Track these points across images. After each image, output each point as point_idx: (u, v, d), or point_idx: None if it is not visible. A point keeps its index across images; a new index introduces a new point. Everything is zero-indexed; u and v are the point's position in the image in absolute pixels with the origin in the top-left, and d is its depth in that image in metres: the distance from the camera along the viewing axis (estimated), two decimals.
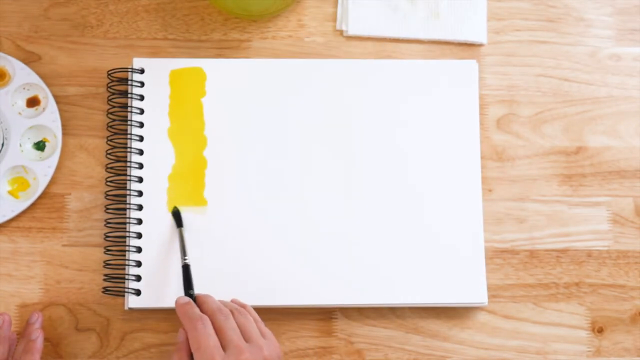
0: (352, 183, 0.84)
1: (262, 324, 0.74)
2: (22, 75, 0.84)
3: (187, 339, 0.71)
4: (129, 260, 0.81)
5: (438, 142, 0.85)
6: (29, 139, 0.84)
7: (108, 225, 0.82)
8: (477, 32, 0.88)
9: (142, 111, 0.84)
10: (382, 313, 0.83)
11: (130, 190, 0.82)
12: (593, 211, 0.86)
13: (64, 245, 0.83)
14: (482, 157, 0.85)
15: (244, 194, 0.83)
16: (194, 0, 0.88)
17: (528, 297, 0.84)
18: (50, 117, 0.84)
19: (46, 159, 0.84)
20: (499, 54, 0.88)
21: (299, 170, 0.84)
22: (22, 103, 0.85)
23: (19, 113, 0.84)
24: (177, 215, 0.82)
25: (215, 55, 0.87)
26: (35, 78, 0.84)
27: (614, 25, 0.89)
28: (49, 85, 0.85)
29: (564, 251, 0.85)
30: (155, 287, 0.81)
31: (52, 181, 0.83)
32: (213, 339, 0.69)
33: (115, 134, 0.84)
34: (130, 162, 0.83)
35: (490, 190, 0.85)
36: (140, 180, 0.83)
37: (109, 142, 0.84)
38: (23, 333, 0.79)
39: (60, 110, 0.84)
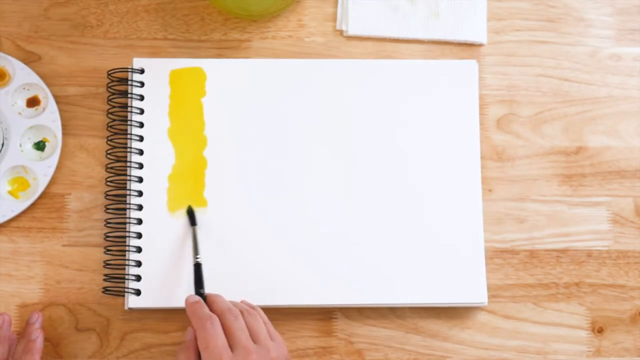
0: (352, 183, 0.84)
1: (271, 326, 0.74)
2: (22, 75, 0.84)
3: (195, 337, 0.71)
4: (129, 260, 0.81)
5: (438, 142, 0.85)
6: (29, 139, 0.84)
7: (108, 225, 0.82)
8: (477, 32, 0.88)
9: (142, 111, 0.84)
10: (382, 313, 0.83)
11: (130, 190, 0.82)
12: (593, 211, 0.86)
13: (64, 245, 0.83)
14: (482, 157, 0.85)
15: (244, 194, 0.83)
16: (194, 0, 0.88)
17: (528, 297, 0.84)
18: (50, 117, 0.84)
19: (46, 159, 0.84)
20: (499, 54, 0.88)
21: (299, 170, 0.84)
22: (22, 103, 0.85)
23: (19, 113, 0.84)
24: (191, 214, 0.82)
25: (215, 55, 0.87)
26: (35, 78, 0.84)
27: (614, 25, 0.89)
28: (49, 85, 0.85)
29: (564, 251, 0.85)
30: (155, 287, 0.81)
31: (52, 181, 0.83)
32: (221, 339, 0.69)
33: (115, 134, 0.84)
34: (130, 162, 0.83)
35: (490, 190, 0.85)
36: (140, 180, 0.83)
37: (109, 142, 0.84)
38: (23, 333, 0.79)
39: (60, 110, 0.85)
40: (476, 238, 0.83)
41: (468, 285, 0.82)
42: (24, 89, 0.85)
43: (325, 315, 0.83)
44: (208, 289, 0.77)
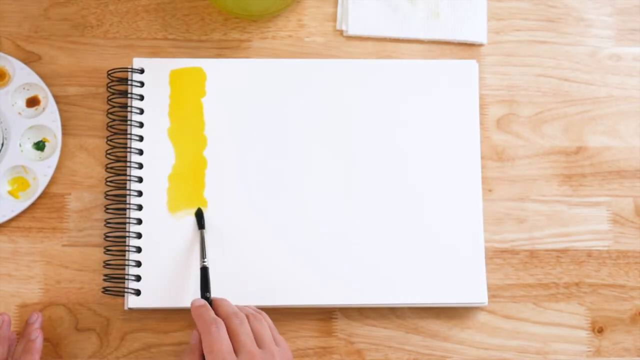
0: (352, 183, 0.84)
1: (276, 331, 0.74)
2: (22, 75, 0.84)
3: (200, 341, 0.71)
4: (128, 260, 0.81)
5: (438, 142, 0.85)
6: (28, 139, 0.84)
7: (108, 225, 0.82)
8: (477, 32, 0.88)
9: (142, 111, 0.84)
10: (382, 313, 0.83)
11: (130, 190, 0.82)
12: (593, 211, 0.86)
13: (64, 245, 0.83)
14: (482, 157, 0.85)
15: (244, 194, 0.83)
16: (194, 0, 0.88)
17: (528, 297, 0.84)
18: (50, 117, 0.84)
19: (46, 159, 0.84)
20: (499, 54, 0.88)
21: (299, 170, 0.84)
22: (22, 103, 0.85)
23: (19, 113, 0.84)
24: (199, 217, 0.81)
25: (215, 55, 0.87)
26: (35, 78, 0.84)
27: (614, 25, 0.89)
28: (49, 85, 0.85)
29: (564, 251, 0.85)
30: (155, 287, 0.81)
31: (52, 181, 0.83)
32: (226, 343, 0.69)
33: (115, 134, 0.84)
34: (130, 162, 0.83)
35: (490, 190, 0.85)
36: (140, 180, 0.83)
37: (108, 142, 0.84)
38: (23, 333, 0.79)
39: (60, 110, 0.84)
40: (476, 238, 0.83)
41: (468, 285, 0.82)
42: (24, 89, 0.85)
43: (325, 315, 0.83)
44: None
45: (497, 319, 0.83)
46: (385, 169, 0.84)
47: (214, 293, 0.77)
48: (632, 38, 0.89)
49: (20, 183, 0.84)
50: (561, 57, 0.88)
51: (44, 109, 0.84)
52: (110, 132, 0.84)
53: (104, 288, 0.81)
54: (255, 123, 0.84)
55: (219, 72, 0.85)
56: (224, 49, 0.87)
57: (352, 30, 0.88)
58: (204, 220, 0.81)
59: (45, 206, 0.83)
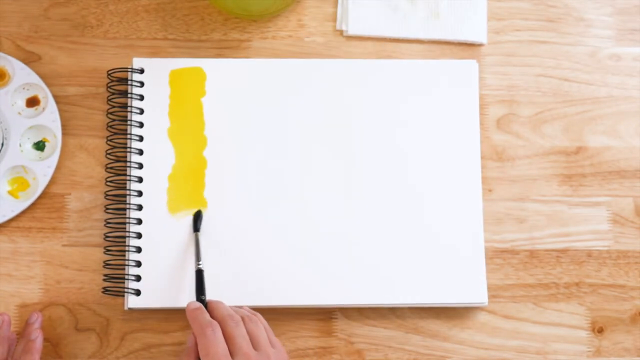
0: (352, 183, 0.84)
1: (271, 333, 0.74)
2: (22, 75, 0.84)
3: (196, 344, 0.70)
4: (128, 260, 0.81)
5: (438, 142, 0.85)
6: (28, 139, 0.84)
7: (108, 225, 0.82)
8: (477, 32, 0.88)
9: (142, 111, 0.84)
10: (382, 313, 0.83)
11: (130, 190, 0.82)
12: (593, 211, 0.86)
13: (64, 245, 0.83)
14: (482, 157, 0.85)
15: (244, 194, 0.83)
16: (194, 0, 0.88)
17: (528, 297, 0.84)
18: (50, 117, 0.84)
19: (46, 159, 0.84)
20: (499, 54, 0.88)
21: (299, 171, 0.84)
22: (21, 103, 0.85)
23: (19, 113, 0.84)
24: (196, 219, 0.81)
25: (215, 55, 0.87)
26: (35, 78, 0.84)
27: (614, 25, 0.89)
28: (48, 85, 0.85)
29: (564, 251, 0.85)
30: (155, 287, 0.81)
31: (52, 181, 0.83)
32: (222, 346, 0.69)
33: (115, 134, 0.84)
34: (130, 162, 0.83)
35: (490, 190, 0.85)
36: (140, 180, 0.83)
37: (108, 142, 0.84)
38: (23, 333, 0.79)
39: (60, 110, 0.84)
40: (476, 238, 0.83)
41: (468, 285, 0.82)
42: (23, 89, 0.85)
43: (325, 315, 0.83)
44: (208, 289, 0.77)
45: (497, 319, 0.83)
46: (385, 169, 0.84)
47: (215, 293, 0.77)
48: (632, 38, 0.89)
49: (20, 183, 0.84)
50: (561, 57, 0.88)
51: (44, 109, 0.84)
52: (110, 132, 0.84)
53: (104, 288, 0.81)
54: (255, 123, 0.84)
55: (219, 72, 0.85)
56: (224, 49, 0.87)
57: (352, 30, 0.88)
58: (200, 223, 0.81)
59: (45, 206, 0.83)
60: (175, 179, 0.83)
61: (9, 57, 0.85)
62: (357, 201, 0.83)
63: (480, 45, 0.88)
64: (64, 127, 0.84)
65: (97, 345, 0.81)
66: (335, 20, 0.88)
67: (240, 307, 0.77)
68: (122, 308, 0.82)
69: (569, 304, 0.84)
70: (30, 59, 0.86)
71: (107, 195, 0.83)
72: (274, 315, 0.81)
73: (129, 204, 0.82)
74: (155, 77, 0.85)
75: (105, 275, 0.82)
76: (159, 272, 0.81)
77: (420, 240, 0.83)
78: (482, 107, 0.87)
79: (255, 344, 0.71)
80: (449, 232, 0.83)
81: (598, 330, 0.84)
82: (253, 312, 0.76)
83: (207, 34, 0.87)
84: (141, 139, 0.84)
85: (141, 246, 0.81)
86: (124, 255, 0.81)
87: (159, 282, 0.81)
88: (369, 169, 0.84)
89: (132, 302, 0.80)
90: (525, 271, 0.84)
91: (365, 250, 0.82)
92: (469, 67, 0.87)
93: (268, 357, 0.70)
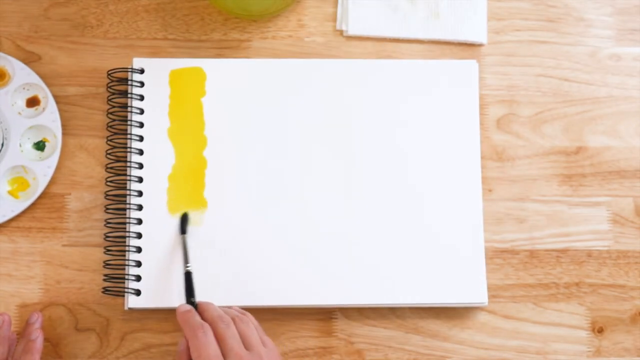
0: (352, 183, 0.84)
1: (262, 332, 0.74)
2: (22, 75, 0.84)
3: (188, 347, 0.71)
4: (128, 260, 0.81)
5: (438, 142, 0.85)
6: (28, 139, 0.84)
7: (108, 225, 0.82)
8: (477, 32, 0.88)
9: (142, 111, 0.84)
10: (382, 313, 0.83)
11: (130, 190, 0.82)
12: (593, 211, 0.86)
13: (64, 245, 0.83)
14: (482, 157, 0.85)
15: (244, 194, 0.83)
16: (194, 0, 0.88)
17: (528, 297, 0.84)
18: (50, 117, 0.84)
19: (46, 159, 0.84)
20: (499, 54, 0.88)
21: (299, 170, 0.84)
22: (22, 103, 0.85)
23: (19, 113, 0.84)
24: (183, 222, 0.81)
25: (215, 55, 0.87)
26: (35, 78, 0.84)
27: (614, 25, 0.89)
28: (49, 85, 0.85)
29: (564, 251, 0.85)
30: (155, 287, 0.81)
31: (52, 181, 0.83)
32: (214, 348, 0.69)
33: (115, 134, 0.84)
34: (130, 162, 0.83)
35: (490, 190, 0.85)
36: (140, 180, 0.83)
37: (109, 142, 0.84)
38: (23, 333, 0.79)
39: (60, 110, 0.84)
40: (476, 238, 0.83)
41: (468, 285, 0.82)
42: (23, 89, 0.85)
43: (325, 315, 0.83)
44: (208, 289, 0.77)
45: (497, 319, 0.84)
46: (385, 169, 0.84)
47: (215, 293, 0.77)
48: (632, 38, 0.89)
49: (20, 183, 0.84)
50: (561, 57, 0.88)
51: (44, 109, 0.84)
52: (110, 132, 0.84)
53: (104, 288, 0.81)
54: (255, 123, 0.84)
55: (219, 72, 0.85)
56: (224, 49, 0.87)
57: (352, 30, 0.88)
58: (187, 226, 0.81)
59: (45, 206, 0.83)
60: (175, 179, 0.83)
61: (9, 57, 0.85)
62: (357, 201, 0.83)
63: (480, 45, 0.88)
64: (64, 127, 0.84)
65: (97, 345, 0.81)
66: (335, 20, 0.88)
67: (230, 307, 0.77)
68: (122, 308, 0.82)
69: (569, 304, 0.84)
70: (30, 59, 0.86)
71: (107, 195, 0.83)
72: (274, 315, 0.81)
73: (129, 204, 0.82)
74: (155, 77, 0.85)
75: (105, 275, 0.82)
76: (159, 272, 0.81)
77: (420, 240, 0.83)
78: (482, 107, 0.87)
79: (247, 345, 0.71)
80: (449, 232, 0.83)
81: (598, 330, 0.84)
82: (242, 311, 0.76)
83: (207, 34, 0.87)
84: (141, 139, 0.84)
85: (141, 246, 0.81)
86: (124, 255, 0.81)
87: (159, 282, 0.81)
88: (369, 169, 0.84)
89: (132, 302, 0.80)
90: (525, 271, 0.84)
91: (365, 250, 0.82)
92: (469, 67, 0.87)
93: (260, 356, 0.70)
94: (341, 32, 0.88)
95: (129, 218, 0.82)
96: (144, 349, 0.81)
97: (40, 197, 0.83)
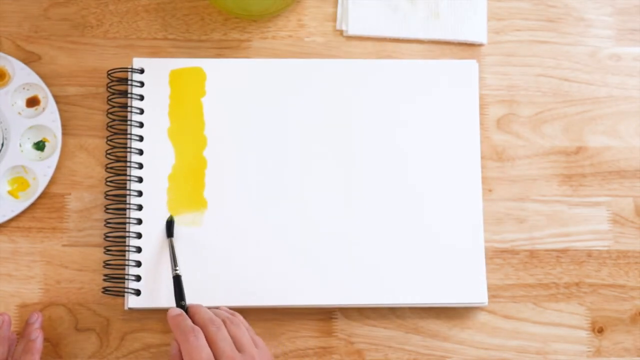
0: (352, 183, 0.84)
1: (253, 333, 0.74)
2: (22, 75, 0.84)
3: (179, 351, 0.71)
4: (128, 260, 0.81)
5: (438, 142, 0.85)
6: (28, 139, 0.84)
7: (108, 225, 0.82)
8: (477, 32, 0.88)
9: (142, 111, 0.84)
10: (382, 313, 0.83)
11: (130, 190, 0.82)
12: (593, 211, 0.86)
13: (64, 245, 0.83)
14: (482, 157, 0.85)
15: (244, 194, 0.83)
16: (194, 0, 0.88)
17: (528, 297, 0.84)
18: (50, 117, 0.84)
19: (46, 159, 0.84)
20: (499, 54, 0.88)
21: (299, 171, 0.84)
22: (21, 103, 0.85)
23: (19, 113, 0.84)
24: (169, 225, 0.81)
25: (215, 55, 0.87)
26: (35, 78, 0.84)
27: (614, 25, 0.89)
28: (48, 85, 0.85)
29: (564, 251, 0.85)
30: (155, 287, 0.81)
31: (52, 181, 0.83)
32: (205, 351, 0.69)
33: (115, 134, 0.84)
34: (130, 162, 0.83)
35: (490, 190, 0.85)
36: (140, 180, 0.83)
37: (108, 142, 0.84)
38: (23, 333, 0.79)
39: (60, 110, 0.84)
40: (476, 238, 0.83)
41: (468, 285, 0.82)
42: (23, 89, 0.85)
43: (325, 315, 0.83)
44: (208, 289, 0.77)
45: (497, 319, 0.83)
46: (385, 169, 0.84)
47: (214, 293, 0.77)
48: (632, 38, 0.89)
49: (20, 183, 0.84)
50: (561, 57, 0.88)
51: (44, 109, 0.84)
52: (110, 132, 0.84)
53: (104, 288, 0.81)
54: (255, 123, 0.84)
55: (219, 72, 0.85)
56: (224, 49, 0.87)
57: (352, 30, 0.88)
58: (173, 229, 0.81)
59: (45, 206, 0.83)
60: (175, 179, 0.83)
61: (9, 57, 0.85)
62: (357, 201, 0.83)
63: (480, 45, 0.88)
64: (64, 127, 0.84)
65: (97, 345, 0.81)
66: (335, 20, 0.88)
67: (218, 307, 0.77)
68: (122, 308, 0.82)
69: (569, 304, 0.84)
70: (30, 59, 0.86)
71: (107, 195, 0.83)
72: (274, 315, 0.81)
73: (129, 204, 0.82)
74: (155, 77, 0.85)
75: (105, 275, 0.82)
76: (159, 272, 0.81)
77: (420, 240, 0.83)
78: (482, 107, 0.87)
79: (239, 347, 0.71)
80: (449, 232, 0.83)
81: (598, 330, 0.84)
82: (232, 312, 0.76)
83: (207, 34, 0.87)
84: (141, 139, 0.84)
85: (141, 246, 0.81)
86: (124, 255, 0.81)
87: (159, 282, 0.81)
88: (368, 168, 0.84)
89: (132, 302, 0.80)
90: (525, 271, 0.84)
91: (365, 251, 0.82)
92: (469, 67, 0.87)
93: (253, 357, 0.70)
94: (341, 32, 0.88)
95: (129, 218, 0.82)
96: (144, 349, 0.81)
97: (40, 197, 0.83)
